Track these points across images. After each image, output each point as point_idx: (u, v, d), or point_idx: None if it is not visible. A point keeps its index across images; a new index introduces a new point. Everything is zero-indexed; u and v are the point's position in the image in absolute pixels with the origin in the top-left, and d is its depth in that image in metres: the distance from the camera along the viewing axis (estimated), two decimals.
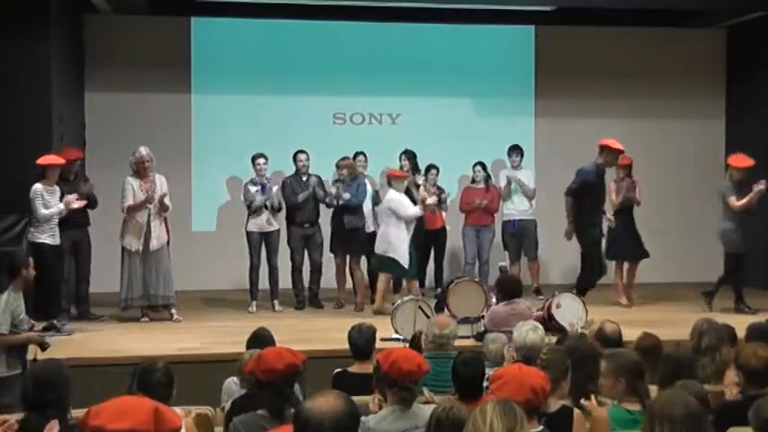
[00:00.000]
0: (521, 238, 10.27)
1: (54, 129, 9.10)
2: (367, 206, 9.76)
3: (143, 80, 10.64)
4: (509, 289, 7.13)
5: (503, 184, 10.31)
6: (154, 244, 8.62)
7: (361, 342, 5.36)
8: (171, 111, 10.79)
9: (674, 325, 7.78)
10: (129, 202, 8.54)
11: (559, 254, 10.86)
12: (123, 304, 8.62)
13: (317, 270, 9.56)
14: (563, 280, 10.62)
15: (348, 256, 9.64)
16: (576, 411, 4.21)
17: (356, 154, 9.92)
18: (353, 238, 9.53)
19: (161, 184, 8.71)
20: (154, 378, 4.10)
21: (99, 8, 10.03)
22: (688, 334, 5.59)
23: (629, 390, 4.21)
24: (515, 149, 10.35)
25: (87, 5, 10.00)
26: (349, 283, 9.69)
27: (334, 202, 9.43)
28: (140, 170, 8.61)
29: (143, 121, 10.63)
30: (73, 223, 8.53)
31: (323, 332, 8.05)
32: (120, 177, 8.79)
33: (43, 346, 6.14)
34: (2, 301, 6.04)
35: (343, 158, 9.65)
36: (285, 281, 9.52)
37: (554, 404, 4.11)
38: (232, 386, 5.09)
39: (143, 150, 8.64)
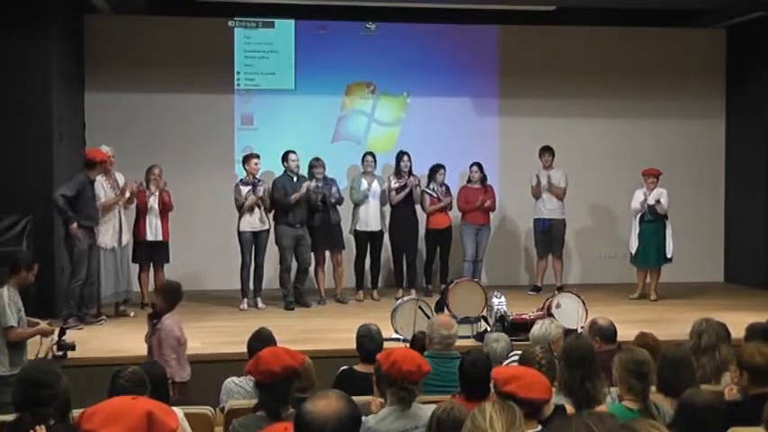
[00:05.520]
0: (548, 235, 10.37)
1: (54, 129, 9.09)
2: (375, 206, 9.91)
3: (143, 80, 10.64)
4: (174, 296, 6.27)
5: (535, 183, 10.36)
6: (124, 240, 8.90)
7: (375, 347, 5.34)
8: (171, 111, 10.78)
9: (673, 324, 7.80)
10: (103, 199, 8.68)
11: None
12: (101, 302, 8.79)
13: (305, 270, 9.64)
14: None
15: (328, 252, 9.84)
16: (570, 409, 4.22)
17: (365, 154, 10.07)
18: (336, 233, 9.78)
19: (121, 181, 8.96)
20: (118, 384, 4.09)
21: (99, 8, 10.04)
22: (686, 333, 5.60)
23: (628, 388, 4.22)
24: (547, 150, 10.39)
25: (87, 5, 10.00)
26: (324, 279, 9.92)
27: (331, 201, 9.62)
28: (105, 168, 8.76)
29: (143, 121, 10.64)
30: (86, 225, 8.51)
31: (324, 332, 8.06)
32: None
33: (64, 345, 6.39)
34: (3, 296, 6.07)
35: (317, 159, 9.79)
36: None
37: (547, 408, 4.10)
38: (232, 386, 5.08)
39: (106, 148, 8.87)
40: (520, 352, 5.16)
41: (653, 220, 9.95)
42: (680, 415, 3.92)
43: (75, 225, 8.22)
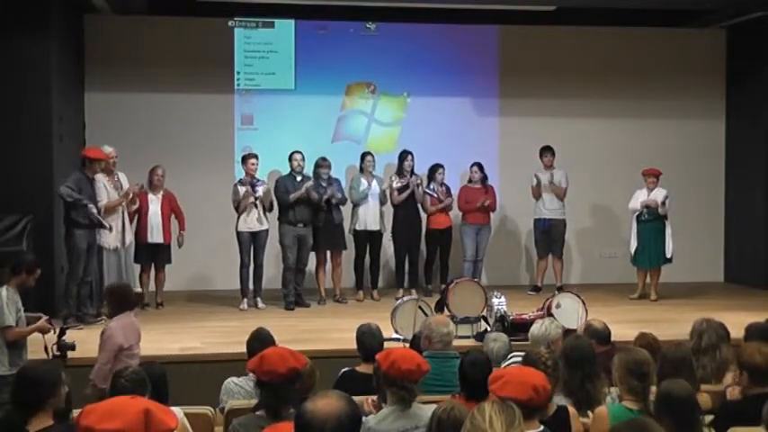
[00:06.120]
0: (548, 236, 10.37)
1: (54, 129, 9.09)
2: (375, 206, 9.91)
3: (143, 80, 10.65)
4: (122, 300, 6.09)
5: (535, 183, 10.37)
6: (127, 241, 8.87)
7: (376, 345, 5.33)
8: (171, 111, 10.78)
9: (673, 324, 7.80)
10: (105, 200, 8.65)
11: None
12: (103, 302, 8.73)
13: (302, 270, 9.66)
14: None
15: (329, 252, 9.85)
16: (572, 410, 4.22)
17: (364, 154, 10.09)
18: (339, 233, 9.78)
19: (124, 180, 8.93)
20: (119, 384, 4.10)
21: (99, 8, 10.04)
22: (686, 333, 5.60)
23: (629, 388, 4.22)
24: (548, 150, 10.39)
25: (87, 5, 10.01)
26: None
27: (333, 201, 9.63)
28: (107, 168, 8.74)
29: (143, 121, 10.64)
30: (86, 224, 8.50)
31: (324, 332, 8.06)
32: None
33: (64, 345, 6.24)
34: (2, 296, 6.06)
35: (323, 159, 9.79)
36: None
37: (549, 408, 4.10)
38: (232, 386, 5.08)
39: (109, 149, 8.83)
40: (520, 352, 5.17)
41: (652, 220, 9.95)
42: (658, 405, 3.93)
43: (91, 205, 8.24)
